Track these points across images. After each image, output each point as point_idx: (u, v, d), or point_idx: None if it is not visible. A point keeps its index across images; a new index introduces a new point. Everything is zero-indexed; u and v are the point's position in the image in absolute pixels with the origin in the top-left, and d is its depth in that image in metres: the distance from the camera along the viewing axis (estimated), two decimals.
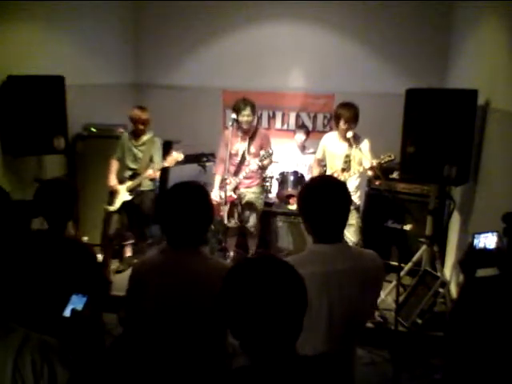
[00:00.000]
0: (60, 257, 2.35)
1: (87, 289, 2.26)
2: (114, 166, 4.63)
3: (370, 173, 3.96)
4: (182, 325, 1.95)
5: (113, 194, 4.60)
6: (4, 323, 1.44)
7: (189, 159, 4.58)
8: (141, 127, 4.51)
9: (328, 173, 4.23)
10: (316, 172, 4.45)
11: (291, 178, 4.87)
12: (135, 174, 4.59)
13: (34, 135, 4.06)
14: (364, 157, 3.93)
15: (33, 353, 1.40)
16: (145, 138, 4.59)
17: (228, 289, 1.25)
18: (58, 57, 4.74)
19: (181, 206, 1.96)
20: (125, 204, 4.58)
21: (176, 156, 4.42)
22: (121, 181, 4.61)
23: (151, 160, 4.58)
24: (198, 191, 2.04)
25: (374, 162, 3.82)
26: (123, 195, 4.59)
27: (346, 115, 3.96)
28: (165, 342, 1.99)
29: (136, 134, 4.58)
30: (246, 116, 4.33)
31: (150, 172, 4.48)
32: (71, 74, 4.41)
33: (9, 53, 4.10)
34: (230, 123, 4.39)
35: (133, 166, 4.62)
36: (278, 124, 6.10)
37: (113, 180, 4.59)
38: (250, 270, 1.26)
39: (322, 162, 4.44)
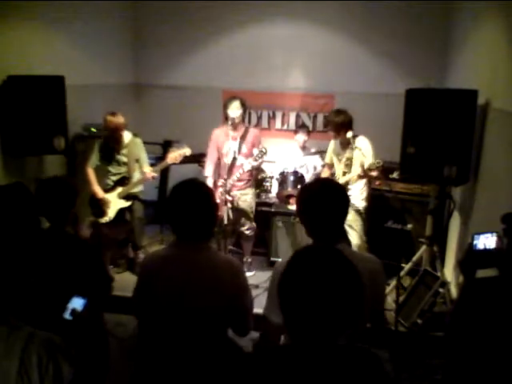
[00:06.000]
0: (62, 254, 2.37)
1: (90, 286, 2.28)
2: (93, 175, 4.42)
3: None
4: (189, 316, 2.00)
5: (98, 204, 4.38)
6: (9, 321, 1.45)
7: (188, 159, 4.55)
8: (121, 132, 4.33)
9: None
10: (325, 176, 4.49)
11: (291, 177, 4.86)
12: (123, 179, 4.44)
13: (34, 135, 4.06)
14: (364, 157, 3.93)
15: (38, 350, 1.41)
16: (125, 141, 4.41)
17: (290, 271, 1.32)
18: (58, 57, 4.74)
19: (189, 201, 2.03)
20: (117, 212, 4.40)
21: (182, 151, 4.26)
22: (104, 189, 4.43)
23: (137, 161, 4.44)
24: (203, 187, 2.13)
25: (360, 171, 3.85)
26: (117, 203, 4.41)
27: (333, 122, 4.00)
28: (172, 333, 2.05)
29: (116, 140, 4.36)
30: (235, 108, 4.29)
31: (152, 174, 4.32)
32: (71, 74, 4.41)
33: (9, 53, 4.11)
34: (230, 122, 4.36)
35: (116, 171, 4.45)
36: (278, 124, 6.09)
37: (99, 191, 4.39)
38: (314, 258, 1.32)
39: (330, 166, 4.47)
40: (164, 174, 5.41)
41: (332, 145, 4.38)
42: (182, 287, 2.00)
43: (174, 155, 4.28)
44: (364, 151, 3.91)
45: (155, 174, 4.38)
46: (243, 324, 2.19)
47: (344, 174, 4.08)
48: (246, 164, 4.27)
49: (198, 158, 5.21)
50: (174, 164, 4.40)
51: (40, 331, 1.47)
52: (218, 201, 4.28)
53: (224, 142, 4.41)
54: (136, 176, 4.47)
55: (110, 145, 4.42)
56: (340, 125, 3.97)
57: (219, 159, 4.50)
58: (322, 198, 1.92)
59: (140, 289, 2.14)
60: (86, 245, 2.60)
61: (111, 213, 4.42)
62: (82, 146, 4.98)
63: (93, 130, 5.00)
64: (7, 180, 4.03)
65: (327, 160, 4.48)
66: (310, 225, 1.98)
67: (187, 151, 4.32)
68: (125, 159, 4.44)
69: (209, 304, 2.00)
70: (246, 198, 4.52)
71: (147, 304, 2.08)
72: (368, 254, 2.06)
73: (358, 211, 4.15)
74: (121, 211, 4.46)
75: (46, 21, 4.59)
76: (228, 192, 4.31)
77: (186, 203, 2.03)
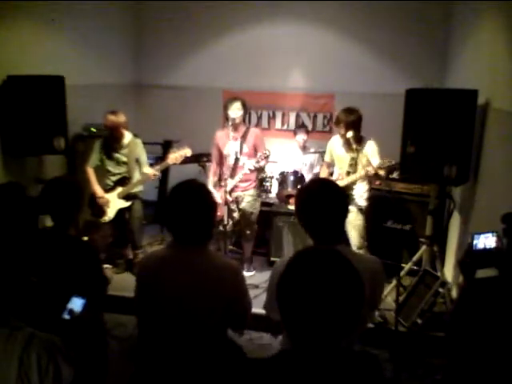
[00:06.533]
0: (63, 254, 2.37)
1: (89, 287, 2.29)
2: (93, 175, 4.43)
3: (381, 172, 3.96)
4: (188, 317, 2.01)
5: (97, 204, 4.38)
6: (10, 321, 1.45)
7: (189, 159, 4.55)
8: (121, 131, 4.34)
9: (335, 175, 4.25)
10: (323, 175, 4.47)
11: (291, 177, 4.87)
12: (124, 179, 4.44)
13: (33, 135, 4.05)
14: (370, 157, 3.92)
15: (38, 351, 1.41)
16: (126, 140, 4.42)
17: (289, 274, 1.30)
18: (58, 57, 4.74)
19: (186, 204, 2.02)
20: (117, 212, 4.40)
21: (183, 152, 4.27)
22: (104, 189, 4.43)
23: (137, 161, 4.44)
24: (201, 189, 2.11)
25: (372, 169, 3.83)
26: (117, 203, 4.41)
27: (345, 120, 3.97)
28: (171, 333, 2.05)
29: (116, 139, 4.38)
30: (236, 109, 4.28)
31: (154, 173, 4.31)
32: (71, 74, 4.41)
33: (9, 53, 4.11)
34: (230, 123, 4.36)
35: (116, 170, 4.45)
36: (278, 124, 6.10)
37: (99, 190, 4.40)
38: (314, 260, 1.29)
39: (330, 165, 4.44)
40: (164, 174, 5.41)
41: (332, 143, 4.35)
42: (180, 289, 2.00)
43: (175, 156, 4.28)
44: (368, 152, 3.92)
45: (157, 173, 4.38)
46: (241, 324, 2.22)
47: (348, 173, 4.06)
48: (247, 164, 4.27)
49: (198, 158, 5.21)
50: (174, 164, 4.40)
51: (40, 332, 1.47)
52: (219, 201, 4.27)
53: (225, 144, 4.41)
54: (136, 176, 4.47)
55: (109, 142, 4.42)
56: (351, 123, 3.96)
57: (222, 160, 4.50)
58: (320, 199, 1.92)
59: (138, 289, 2.15)
60: (86, 245, 2.60)
61: (111, 212, 4.42)
62: (82, 146, 4.97)
63: (93, 130, 5.00)
64: (7, 180, 4.03)
65: (327, 159, 4.44)
66: (310, 226, 1.97)
67: (188, 152, 4.33)
68: (125, 159, 4.44)
69: (207, 306, 2.00)
70: (249, 199, 4.51)
71: (146, 304, 2.08)
72: (368, 255, 2.06)
73: (360, 210, 4.14)
74: (120, 211, 4.46)
75: (45, 21, 4.59)
76: (230, 192, 4.31)
77: (183, 205, 2.02)
